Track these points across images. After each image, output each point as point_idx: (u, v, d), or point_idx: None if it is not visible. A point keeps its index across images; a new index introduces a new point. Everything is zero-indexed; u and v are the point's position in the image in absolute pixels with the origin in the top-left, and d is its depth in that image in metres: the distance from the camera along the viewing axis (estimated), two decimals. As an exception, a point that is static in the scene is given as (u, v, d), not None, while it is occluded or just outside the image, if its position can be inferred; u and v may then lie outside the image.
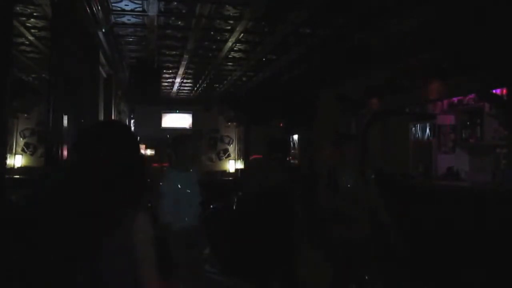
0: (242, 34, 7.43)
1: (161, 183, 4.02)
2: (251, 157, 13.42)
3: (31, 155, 12.73)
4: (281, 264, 4.27)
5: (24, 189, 6.38)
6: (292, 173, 4.47)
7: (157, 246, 1.77)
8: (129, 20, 6.77)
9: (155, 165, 13.17)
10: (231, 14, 6.49)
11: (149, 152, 13.78)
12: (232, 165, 15.28)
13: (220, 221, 5.96)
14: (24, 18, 6.54)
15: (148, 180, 4.17)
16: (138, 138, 2.36)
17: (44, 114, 4.29)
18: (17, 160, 12.72)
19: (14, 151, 12.74)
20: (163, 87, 11.89)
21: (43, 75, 9.20)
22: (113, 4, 6.11)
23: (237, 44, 8.06)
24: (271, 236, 4.17)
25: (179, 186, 3.97)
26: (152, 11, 6.33)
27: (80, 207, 1.68)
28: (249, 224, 4.43)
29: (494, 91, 6.53)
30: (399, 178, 7.37)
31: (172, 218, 3.81)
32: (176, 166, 4.08)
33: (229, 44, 7.98)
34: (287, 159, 4.55)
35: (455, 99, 8.05)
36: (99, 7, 5.81)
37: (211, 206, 6.17)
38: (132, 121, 13.42)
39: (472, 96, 7.59)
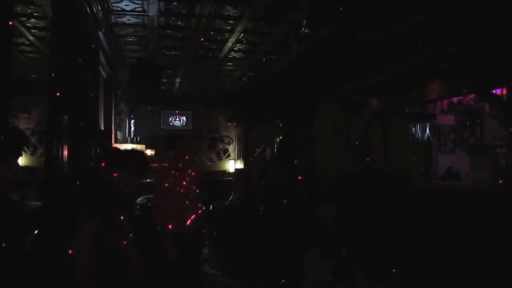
0: (242, 34, 7.43)
1: (155, 183, 4.02)
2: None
3: (31, 155, 12.72)
4: (286, 264, 4.27)
5: (24, 189, 6.39)
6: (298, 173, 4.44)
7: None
8: (129, 20, 6.77)
9: (155, 165, 13.16)
10: (231, 14, 6.49)
11: (149, 152, 13.77)
12: (232, 165, 15.28)
13: (220, 221, 5.96)
14: (24, 18, 6.55)
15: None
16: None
17: (44, 114, 4.29)
18: (17, 160, 12.70)
19: (14, 151, 12.70)
20: (163, 87, 11.89)
21: (43, 75, 9.20)
22: (113, 4, 6.11)
23: (237, 44, 8.07)
24: (275, 236, 4.18)
25: (173, 186, 3.94)
26: (152, 11, 6.34)
27: None
28: (253, 224, 4.44)
29: (494, 91, 6.53)
30: (399, 179, 7.38)
31: (164, 217, 3.83)
32: (171, 165, 4.05)
33: (229, 44, 7.98)
34: (293, 159, 4.52)
35: (455, 99, 8.06)
36: (99, 7, 5.81)
37: (211, 206, 6.17)
38: (132, 121, 13.40)
39: (472, 96, 7.60)
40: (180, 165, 3.99)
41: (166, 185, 3.92)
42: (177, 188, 3.94)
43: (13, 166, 1.99)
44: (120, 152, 3.32)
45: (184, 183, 4.00)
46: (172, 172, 3.98)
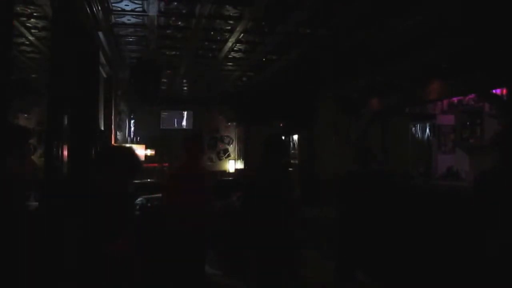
0: (242, 34, 7.43)
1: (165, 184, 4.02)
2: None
3: (31, 155, 12.70)
4: (283, 264, 4.26)
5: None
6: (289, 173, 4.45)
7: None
8: (129, 20, 6.77)
9: (155, 165, 13.18)
10: (231, 14, 6.49)
11: (149, 152, 13.77)
12: (232, 165, 15.28)
13: (220, 221, 5.95)
14: (24, 18, 6.54)
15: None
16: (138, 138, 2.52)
17: (44, 114, 4.28)
18: (17, 160, 12.69)
19: (14, 151, 12.70)
20: (163, 87, 11.89)
21: (43, 75, 9.20)
22: (113, 4, 6.11)
23: (237, 44, 8.07)
24: (270, 236, 4.16)
25: (186, 186, 3.94)
26: (152, 11, 6.33)
27: None
28: (248, 224, 4.43)
29: (494, 91, 6.53)
30: (399, 178, 7.37)
31: (173, 217, 3.84)
32: (184, 166, 4.05)
33: (229, 44, 7.98)
34: (284, 158, 4.52)
35: (455, 99, 8.06)
36: (99, 7, 5.81)
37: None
38: (132, 121, 13.41)
39: (472, 96, 7.60)
40: (193, 165, 4.00)
41: (179, 185, 3.92)
42: (190, 189, 3.94)
43: (25, 160, 1.95)
44: (108, 150, 3.11)
45: (196, 183, 4.01)
46: (186, 172, 3.99)
